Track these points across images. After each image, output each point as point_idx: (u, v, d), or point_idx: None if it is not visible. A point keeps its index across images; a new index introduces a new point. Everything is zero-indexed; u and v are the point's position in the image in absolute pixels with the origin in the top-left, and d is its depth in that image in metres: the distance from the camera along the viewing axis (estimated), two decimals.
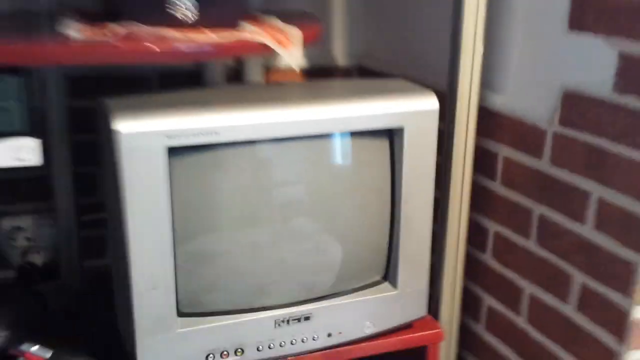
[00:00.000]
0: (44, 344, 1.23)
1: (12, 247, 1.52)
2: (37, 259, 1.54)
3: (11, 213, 1.53)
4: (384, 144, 1.26)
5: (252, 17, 1.27)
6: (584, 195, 1.20)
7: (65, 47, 1.04)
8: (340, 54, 1.80)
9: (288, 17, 1.31)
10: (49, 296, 1.39)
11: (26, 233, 1.53)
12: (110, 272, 1.58)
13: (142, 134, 1.05)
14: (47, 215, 1.54)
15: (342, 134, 1.23)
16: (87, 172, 1.53)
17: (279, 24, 1.25)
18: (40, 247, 1.54)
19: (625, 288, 1.13)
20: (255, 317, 1.23)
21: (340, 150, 1.26)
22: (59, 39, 1.07)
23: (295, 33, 1.20)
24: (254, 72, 1.59)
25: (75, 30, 1.09)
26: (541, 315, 1.33)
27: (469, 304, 1.51)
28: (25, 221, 1.53)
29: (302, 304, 1.26)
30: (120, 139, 1.04)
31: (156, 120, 1.07)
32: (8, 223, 1.52)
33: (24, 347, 1.22)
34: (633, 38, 1.07)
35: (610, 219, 1.15)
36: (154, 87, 1.59)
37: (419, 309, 1.36)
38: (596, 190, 1.18)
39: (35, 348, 1.22)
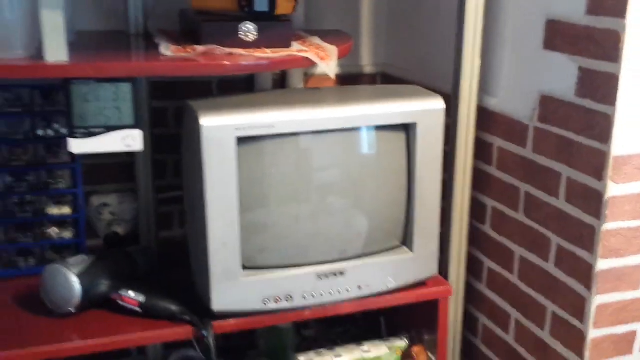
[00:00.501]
0: (137, 291, 1.42)
1: (99, 220, 1.71)
2: (120, 229, 1.71)
3: (99, 192, 1.72)
4: (401, 137, 1.46)
5: (300, 37, 1.53)
6: (557, 175, 1.39)
7: (161, 62, 1.31)
8: (366, 63, 1.96)
9: (327, 36, 1.55)
10: (136, 256, 1.56)
11: (111, 208, 1.71)
12: (179, 240, 1.78)
13: (219, 127, 1.30)
14: (129, 193, 1.74)
15: (368, 128, 1.44)
16: (162, 159, 1.75)
17: (320, 42, 1.50)
18: (122, 220, 1.72)
19: (589, 246, 1.32)
20: (301, 272, 1.43)
21: (366, 141, 1.46)
22: (155, 56, 1.33)
23: (332, 49, 1.45)
24: (296, 79, 1.79)
25: (166, 49, 1.36)
26: (528, 272, 1.50)
27: (473, 266, 1.67)
28: (110, 198, 1.72)
29: (338, 262, 1.45)
30: (203, 131, 1.28)
31: (229, 117, 1.31)
32: (96, 200, 1.71)
33: (122, 292, 1.42)
34: (588, 56, 1.29)
35: (576, 193, 1.35)
36: (214, 90, 1.79)
37: (431, 269, 1.54)
38: (565, 171, 1.37)
39: (131, 293, 1.41)
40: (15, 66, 1.22)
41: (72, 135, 1.30)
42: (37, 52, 1.25)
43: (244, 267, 1.39)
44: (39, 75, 1.24)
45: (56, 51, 1.21)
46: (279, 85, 1.81)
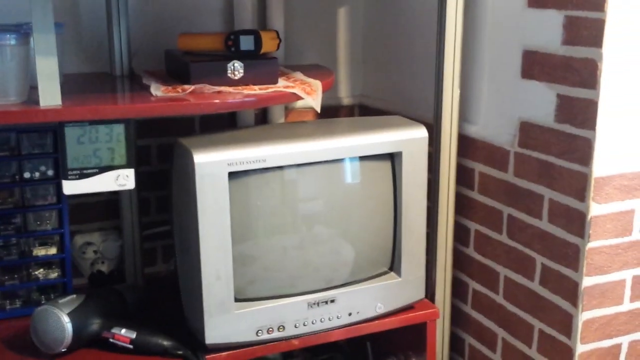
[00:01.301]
0: (128, 328, 1.42)
1: (83, 259, 1.71)
2: (103, 268, 1.72)
3: (82, 231, 1.73)
4: (386, 165, 1.50)
5: (283, 73, 1.56)
6: (539, 197, 1.44)
7: (154, 103, 1.33)
8: (344, 95, 2.01)
9: (309, 71, 1.58)
10: (125, 294, 1.54)
11: (94, 247, 1.72)
12: (163, 276, 1.79)
13: (211, 162, 1.32)
14: (112, 231, 1.74)
15: (355, 159, 1.47)
16: (146, 196, 1.76)
17: (303, 77, 1.54)
18: (106, 258, 1.73)
19: (574, 265, 1.37)
20: (292, 301, 1.44)
21: (353, 171, 1.50)
22: (147, 97, 1.35)
23: (317, 83, 1.48)
24: (277, 114, 1.83)
25: (156, 89, 1.38)
26: (514, 292, 1.54)
27: (458, 289, 1.70)
28: (93, 237, 1.73)
29: (328, 290, 1.47)
30: (196, 167, 1.30)
31: (221, 153, 1.33)
32: (80, 239, 1.72)
33: (114, 330, 1.41)
34: (566, 84, 1.34)
35: (559, 214, 1.39)
36: (196, 127, 1.81)
37: (418, 293, 1.58)
38: (547, 193, 1.42)
39: (122, 330, 1.41)
40: (11, 112, 1.23)
41: (66, 177, 1.30)
42: (29, 97, 1.27)
43: (237, 300, 1.40)
44: (34, 120, 1.25)
45: (50, 96, 1.22)
46: (261, 120, 1.84)
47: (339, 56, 1.99)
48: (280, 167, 1.41)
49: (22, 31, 1.26)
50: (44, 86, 1.22)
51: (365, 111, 2.01)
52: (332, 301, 1.49)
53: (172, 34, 1.56)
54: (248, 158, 1.36)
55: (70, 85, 1.40)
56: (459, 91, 1.56)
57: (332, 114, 1.96)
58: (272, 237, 1.46)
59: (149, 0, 1.72)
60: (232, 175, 1.34)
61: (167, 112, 1.35)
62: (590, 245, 1.35)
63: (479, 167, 1.62)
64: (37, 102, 1.23)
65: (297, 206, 1.48)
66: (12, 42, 1.24)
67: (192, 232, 1.35)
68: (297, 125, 1.68)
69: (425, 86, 1.63)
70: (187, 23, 1.74)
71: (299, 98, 1.43)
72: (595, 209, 1.33)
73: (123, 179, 1.34)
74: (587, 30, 1.29)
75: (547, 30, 1.38)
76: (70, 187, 1.31)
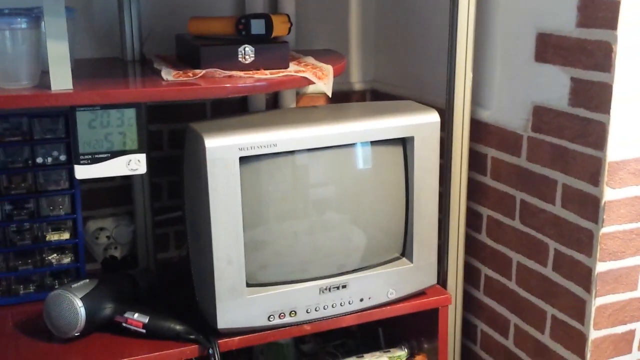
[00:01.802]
0: (141, 312, 1.43)
1: (96, 244, 1.74)
2: (116, 253, 1.76)
3: (95, 217, 1.74)
4: (398, 150, 1.49)
5: (294, 58, 1.56)
6: (552, 182, 1.43)
7: (165, 87, 1.33)
8: (356, 80, 2.01)
9: (320, 55, 1.58)
10: (137, 278, 1.55)
11: (107, 232, 1.74)
12: (176, 261, 1.80)
13: (222, 147, 1.31)
14: (124, 216, 1.76)
15: (366, 143, 1.47)
16: (157, 181, 1.77)
17: (315, 61, 1.53)
18: (119, 243, 1.75)
19: (588, 250, 1.36)
20: (304, 286, 1.44)
21: (364, 156, 1.49)
22: (158, 81, 1.35)
23: (328, 68, 1.48)
24: (288, 98, 1.83)
25: (167, 74, 1.38)
26: (527, 277, 1.54)
27: (470, 274, 1.70)
28: (106, 223, 1.75)
29: (340, 275, 1.47)
30: (207, 152, 1.30)
31: (232, 137, 1.33)
32: (93, 225, 1.74)
33: (127, 314, 1.42)
34: (580, 67, 1.33)
35: (572, 199, 1.39)
36: (207, 112, 1.81)
37: (430, 279, 1.57)
38: (560, 178, 1.41)
39: (135, 315, 1.42)
40: (22, 96, 1.23)
41: (78, 162, 1.30)
42: (41, 81, 1.27)
43: (248, 285, 1.40)
44: (46, 104, 1.24)
45: (61, 80, 1.22)
46: (272, 105, 1.84)
47: (350, 41, 1.99)
48: (292, 152, 1.40)
49: (33, 15, 1.26)
50: (55, 70, 1.22)
51: (377, 96, 2.01)
52: (344, 287, 1.49)
53: (183, 18, 1.56)
54: (259, 143, 1.35)
55: (81, 70, 1.40)
56: (471, 75, 1.55)
57: (343, 99, 1.95)
58: (283, 222, 1.46)
59: None
60: (243, 160, 1.34)
61: (178, 96, 1.34)
62: (604, 230, 1.34)
63: (491, 152, 1.61)
64: (48, 87, 1.24)
65: (309, 191, 1.48)
66: (24, 25, 1.24)
67: (204, 216, 1.35)
68: (308, 110, 1.67)
69: (438, 71, 1.62)
70: (197, 7, 1.73)
71: (311, 82, 1.42)
72: (609, 193, 1.32)
73: (135, 164, 1.34)
74: (601, 12, 1.28)
75: (561, 12, 1.37)
76: (82, 172, 1.31)
